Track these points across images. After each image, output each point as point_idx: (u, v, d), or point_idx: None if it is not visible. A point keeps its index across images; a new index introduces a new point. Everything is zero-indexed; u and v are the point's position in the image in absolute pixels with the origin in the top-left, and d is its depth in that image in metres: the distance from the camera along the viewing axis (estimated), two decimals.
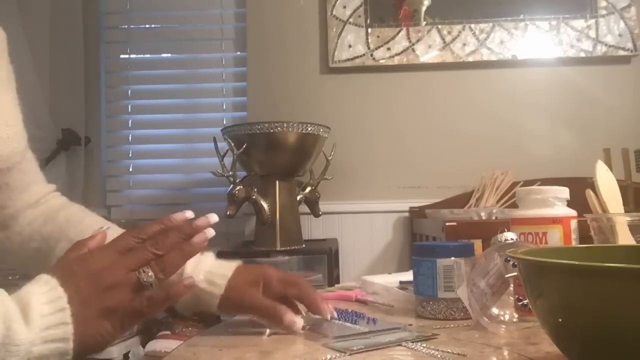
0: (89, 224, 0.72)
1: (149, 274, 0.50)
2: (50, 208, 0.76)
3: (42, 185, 0.77)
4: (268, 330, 0.63)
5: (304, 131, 1.53)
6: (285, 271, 0.69)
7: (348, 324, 0.63)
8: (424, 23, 1.90)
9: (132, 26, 2.09)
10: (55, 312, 0.46)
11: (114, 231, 0.69)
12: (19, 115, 0.68)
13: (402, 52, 1.89)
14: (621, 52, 1.87)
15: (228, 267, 0.66)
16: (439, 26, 1.90)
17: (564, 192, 0.70)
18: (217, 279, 0.65)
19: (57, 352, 0.45)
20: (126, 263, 0.50)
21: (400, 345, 0.55)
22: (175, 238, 0.53)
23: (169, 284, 0.52)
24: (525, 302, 0.63)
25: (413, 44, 1.89)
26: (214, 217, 0.56)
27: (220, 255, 0.69)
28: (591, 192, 0.76)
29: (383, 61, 1.90)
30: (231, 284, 0.64)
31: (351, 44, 1.90)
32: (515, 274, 0.62)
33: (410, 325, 0.63)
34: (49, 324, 0.45)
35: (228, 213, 1.49)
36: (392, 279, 0.88)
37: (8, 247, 0.73)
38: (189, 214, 0.57)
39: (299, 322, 0.61)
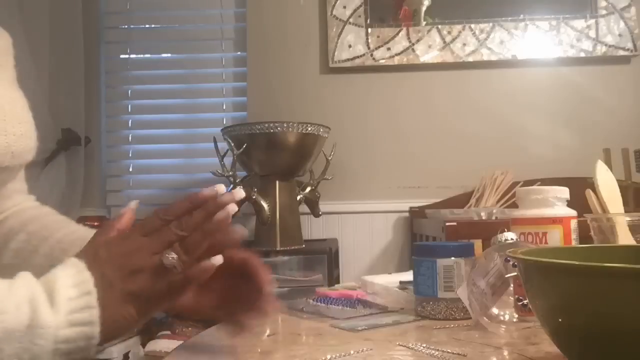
0: (74, 229, 0.72)
1: (172, 256, 0.50)
2: (27, 211, 0.74)
3: (24, 197, 0.77)
4: (268, 330, 0.63)
5: (304, 131, 1.53)
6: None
7: (348, 308, 0.73)
8: (424, 23, 1.90)
9: (132, 26, 2.09)
10: (81, 295, 0.46)
11: None
12: (29, 113, 0.68)
13: (402, 52, 1.89)
14: (621, 52, 1.87)
15: None
16: (439, 26, 1.89)
17: (564, 192, 0.71)
18: None
19: (83, 335, 0.45)
20: (150, 246, 0.50)
21: (400, 345, 0.55)
22: (199, 217, 0.52)
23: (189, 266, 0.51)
24: (525, 302, 0.63)
25: (413, 44, 1.89)
26: (239, 193, 0.55)
27: None
28: (591, 192, 0.76)
29: (383, 61, 1.90)
30: None
31: (351, 44, 1.90)
32: (515, 274, 0.62)
33: (402, 309, 0.72)
34: (75, 307, 0.45)
35: None
36: (392, 279, 0.88)
37: None
38: (220, 188, 0.54)
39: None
